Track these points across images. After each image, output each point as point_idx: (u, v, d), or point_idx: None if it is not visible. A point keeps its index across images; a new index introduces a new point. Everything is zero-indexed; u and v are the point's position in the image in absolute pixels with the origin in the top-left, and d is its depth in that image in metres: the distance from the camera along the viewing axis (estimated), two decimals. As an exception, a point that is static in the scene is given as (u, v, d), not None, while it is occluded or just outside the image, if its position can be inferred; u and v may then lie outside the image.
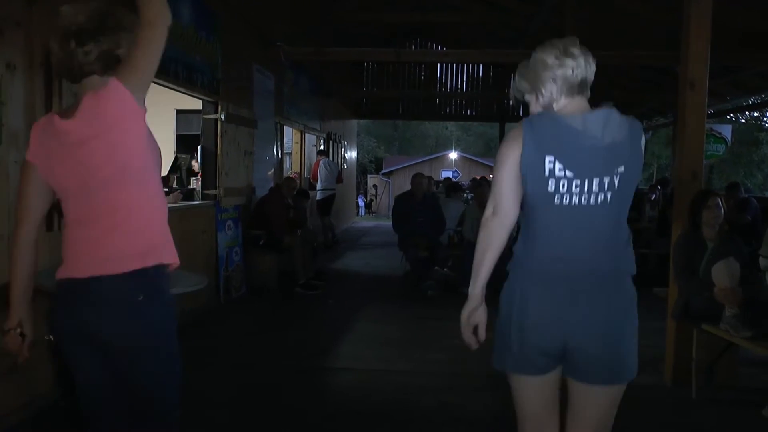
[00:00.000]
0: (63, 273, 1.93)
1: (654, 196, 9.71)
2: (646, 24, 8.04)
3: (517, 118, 15.54)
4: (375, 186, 29.72)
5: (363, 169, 33.00)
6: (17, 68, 3.53)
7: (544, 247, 2.01)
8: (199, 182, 7.08)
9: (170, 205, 5.71)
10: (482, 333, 2.10)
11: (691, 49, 4.43)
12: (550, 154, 1.93)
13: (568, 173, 1.93)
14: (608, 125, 1.95)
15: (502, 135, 17.43)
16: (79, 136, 1.81)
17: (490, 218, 2.05)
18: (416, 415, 3.96)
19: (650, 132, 17.78)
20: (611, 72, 11.00)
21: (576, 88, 2.01)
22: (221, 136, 6.86)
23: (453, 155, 33.05)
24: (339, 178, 12.12)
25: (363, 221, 21.28)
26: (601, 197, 1.94)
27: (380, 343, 5.55)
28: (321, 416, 3.92)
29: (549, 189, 1.94)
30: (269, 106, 8.73)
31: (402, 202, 8.48)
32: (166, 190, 6.65)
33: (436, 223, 8.19)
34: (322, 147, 12.53)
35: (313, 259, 8.46)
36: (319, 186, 11.64)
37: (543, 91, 2.03)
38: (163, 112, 8.39)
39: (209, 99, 6.70)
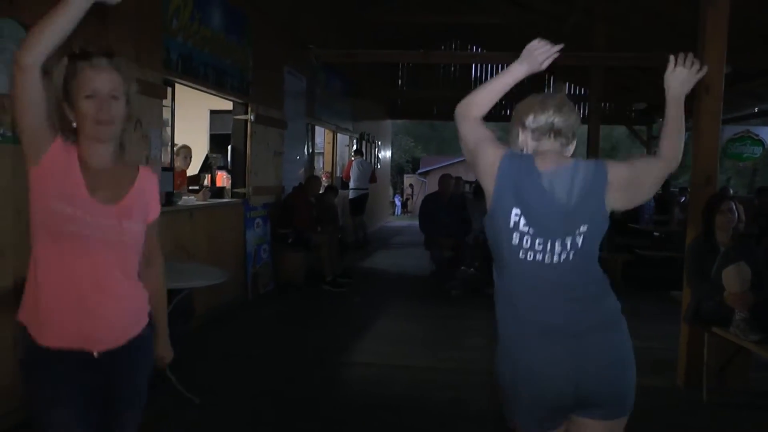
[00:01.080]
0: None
1: (684, 199, 9.63)
2: (676, 25, 7.98)
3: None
4: (411, 186, 29.81)
5: (400, 168, 33.12)
6: (52, 74, 3.74)
7: (523, 306, 2.00)
8: (229, 181, 7.30)
9: (199, 203, 5.97)
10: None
11: (707, 52, 4.44)
12: (517, 206, 1.96)
13: (531, 230, 1.95)
14: (575, 185, 1.96)
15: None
16: None
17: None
18: (426, 410, 4.09)
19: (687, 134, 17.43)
20: (650, 74, 10.91)
21: (544, 131, 2.05)
22: (251, 137, 7.08)
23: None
24: (372, 178, 12.26)
25: (397, 221, 21.42)
26: (563, 256, 1.95)
27: (400, 340, 5.68)
28: (333, 408, 4.07)
29: (513, 241, 1.96)
30: (300, 107, 8.93)
31: (429, 202, 8.60)
32: (197, 188, 6.89)
33: (462, 223, 8.28)
34: (355, 147, 12.72)
35: (341, 257, 8.64)
36: (351, 185, 11.82)
37: (512, 134, 2.12)
38: (197, 112, 8.62)
39: (239, 101, 6.93)
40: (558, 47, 2.06)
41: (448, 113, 17.69)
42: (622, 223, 8.86)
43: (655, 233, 8.94)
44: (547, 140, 2.06)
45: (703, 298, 4.31)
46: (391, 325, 6.30)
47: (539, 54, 2.05)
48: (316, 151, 11.75)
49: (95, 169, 1.90)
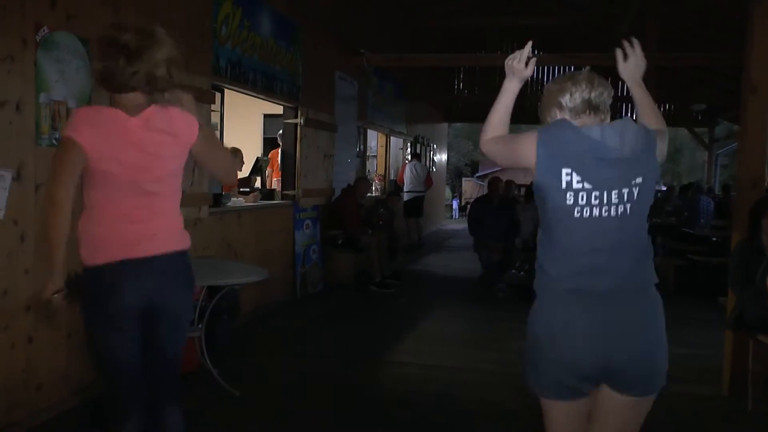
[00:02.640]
0: (116, 255, 2.19)
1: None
2: (731, 23, 7.75)
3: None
4: (464, 190, 29.71)
5: (458, 172, 33.00)
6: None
7: (571, 264, 1.99)
8: (280, 183, 7.49)
9: (249, 204, 6.16)
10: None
11: (755, 51, 4.32)
12: (567, 166, 1.93)
13: (587, 185, 1.93)
14: (625, 136, 1.95)
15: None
16: (153, 134, 2.21)
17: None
18: (456, 409, 4.12)
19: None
20: (710, 74, 10.61)
21: (581, 109, 2.07)
22: (300, 140, 7.25)
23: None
24: (428, 181, 12.32)
25: (453, 224, 21.35)
26: (620, 209, 1.94)
27: (441, 341, 5.73)
28: (364, 405, 4.15)
29: (568, 202, 1.94)
30: (351, 110, 9.07)
31: (478, 205, 8.60)
32: (248, 189, 7.10)
33: (511, 227, 8.24)
34: (410, 150, 12.80)
35: (391, 259, 8.73)
36: (405, 188, 11.92)
37: (548, 118, 2.12)
38: (251, 116, 8.91)
39: (289, 105, 7.11)
40: (528, 45, 2.17)
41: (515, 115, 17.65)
42: (675, 228, 8.65)
43: (714, 238, 8.67)
44: (587, 117, 2.07)
45: (747, 304, 4.20)
46: (434, 325, 6.34)
47: (517, 63, 2.16)
48: (369, 154, 11.91)
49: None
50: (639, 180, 1.95)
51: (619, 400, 2.06)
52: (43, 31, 3.47)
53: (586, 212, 1.94)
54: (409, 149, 12.93)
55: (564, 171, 1.93)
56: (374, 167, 11.93)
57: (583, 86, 2.07)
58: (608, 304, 1.96)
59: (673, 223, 9.14)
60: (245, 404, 4.05)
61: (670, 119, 14.84)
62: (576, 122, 2.04)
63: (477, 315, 6.89)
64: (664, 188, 13.44)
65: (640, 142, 1.97)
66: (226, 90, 5.98)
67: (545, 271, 2.05)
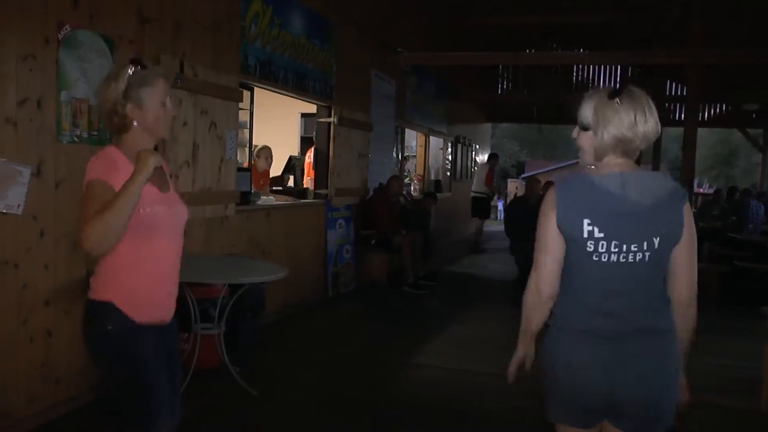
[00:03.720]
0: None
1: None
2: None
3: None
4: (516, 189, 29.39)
5: (504, 173, 32.65)
6: (127, 79, 4.01)
7: (586, 303, 2.01)
8: (313, 181, 7.49)
9: (279, 203, 6.17)
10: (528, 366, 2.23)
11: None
12: (587, 217, 1.94)
13: (606, 235, 1.93)
14: (647, 187, 1.94)
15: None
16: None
17: (533, 293, 2.05)
18: (479, 415, 4.04)
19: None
20: (765, 72, 10.18)
21: (630, 152, 1.99)
22: (333, 139, 7.23)
23: (594, 159, 31.52)
24: (488, 180, 12.29)
25: (497, 225, 21.10)
26: (639, 256, 1.94)
27: (470, 344, 5.63)
28: (383, 407, 4.10)
29: (588, 249, 1.95)
30: (388, 109, 9.02)
31: (514, 206, 8.46)
32: (280, 188, 7.13)
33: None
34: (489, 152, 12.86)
35: (426, 259, 8.65)
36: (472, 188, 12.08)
37: (603, 138, 1.96)
38: (288, 115, 8.92)
39: (322, 104, 7.09)
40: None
41: (549, 116, 17.36)
42: (721, 232, 8.32)
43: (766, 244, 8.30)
44: (628, 157, 1.98)
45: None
46: (464, 328, 6.25)
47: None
48: (409, 154, 11.84)
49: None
50: (662, 231, 1.95)
51: None
52: (66, 29, 3.52)
53: (605, 257, 1.95)
54: (449, 149, 12.82)
55: (585, 221, 1.94)
56: (413, 167, 11.85)
57: (651, 133, 1.96)
58: (617, 345, 1.97)
59: (720, 227, 8.79)
60: (262, 403, 4.04)
61: (722, 120, 14.35)
62: (610, 158, 1.98)
63: (509, 318, 6.66)
64: (711, 191, 12.98)
65: (662, 198, 1.94)
66: (261, 89, 6.03)
67: (558, 306, 2.06)
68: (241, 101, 5.36)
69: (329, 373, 4.71)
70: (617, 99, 1.94)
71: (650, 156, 14.59)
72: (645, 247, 1.94)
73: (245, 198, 5.61)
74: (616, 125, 1.93)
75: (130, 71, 2.11)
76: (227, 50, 5.08)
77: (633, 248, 1.93)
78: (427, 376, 4.76)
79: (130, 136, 2.14)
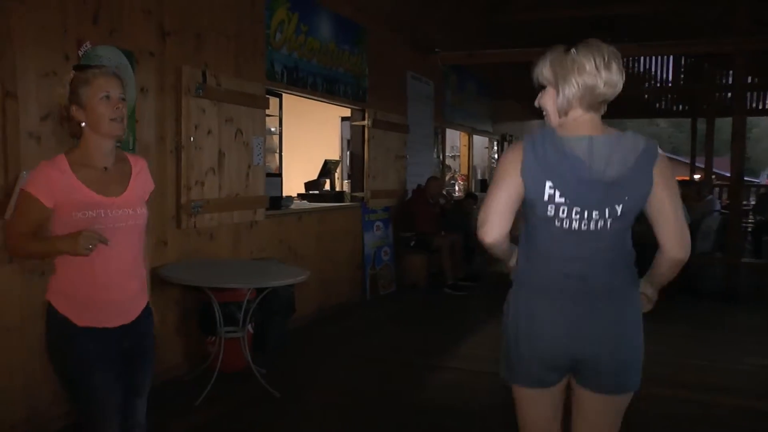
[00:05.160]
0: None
1: None
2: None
3: (709, 113, 14.27)
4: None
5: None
6: (149, 91, 4.16)
7: (548, 265, 2.01)
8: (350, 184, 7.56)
9: (311, 207, 6.24)
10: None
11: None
12: (550, 179, 1.91)
13: (568, 201, 1.91)
14: (615, 154, 1.88)
15: (693, 133, 16.05)
16: None
17: (480, 234, 2.05)
18: (504, 421, 3.98)
19: None
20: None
21: (596, 104, 1.93)
22: (368, 142, 7.27)
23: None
24: None
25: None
26: (600, 224, 1.93)
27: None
28: (407, 410, 4.10)
29: (549, 213, 1.93)
30: (426, 110, 9.01)
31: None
32: (316, 192, 7.21)
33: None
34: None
35: (467, 261, 8.60)
36: None
37: (564, 91, 1.92)
38: (329, 119, 9.00)
39: (355, 107, 7.15)
40: None
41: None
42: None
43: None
44: (595, 111, 1.94)
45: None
46: (497, 331, 6.16)
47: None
48: (453, 153, 11.79)
49: (99, 170, 2.21)
50: (625, 199, 1.91)
51: (592, 399, 2.09)
52: (86, 46, 3.67)
53: (566, 224, 1.94)
54: (495, 147, 12.70)
55: (547, 183, 1.91)
56: (457, 167, 11.79)
57: (615, 82, 1.91)
58: (578, 303, 1.99)
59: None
60: (283, 405, 4.10)
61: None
62: (578, 113, 1.93)
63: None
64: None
65: (629, 163, 1.88)
66: (293, 96, 6.13)
67: (520, 267, 2.08)
68: (268, 108, 5.45)
69: (355, 375, 4.75)
70: (573, 50, 1.91)
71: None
72: (607, 215, 1.91)
73: (276, 203, 5.71)
74: (577, 74, 1.88)
75: (71, 75, 2.19)
76: (251, 58, 5.19)
77: (594, 215, 1.91)
78: (453, 379, 4.74)
79: (84, 141, 2.20)
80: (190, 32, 4.51)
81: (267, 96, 5.45)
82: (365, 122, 7.25)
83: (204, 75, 4.56)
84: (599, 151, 1.88)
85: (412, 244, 8.03)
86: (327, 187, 7.56)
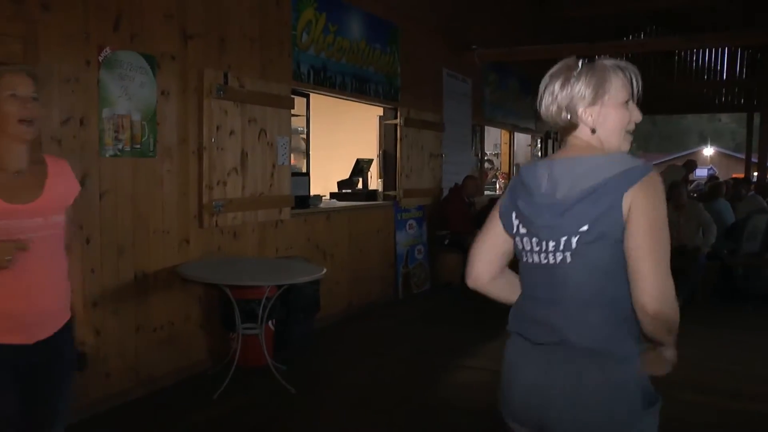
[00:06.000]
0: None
1: None
2: None
3: (765, 108, 13.71)
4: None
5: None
6: (171, 94, 4.28)
7: (522, 306, 1.85)
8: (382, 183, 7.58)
9: (340, 205, 6.30)
10: None
11: None
12: (515, 210, 1.80)
13: (527, 231, 1.76)
14: (570, 175, 1.67)
15: (749, 128, 15.43)
16: None
17: (466, 278, 1.96)
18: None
19: None
20: None
21: (564, 131, 1.79)
22: (400, 140, 7.29)
23: (708, 151, 29.84)
24: None
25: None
26: (559, 256, 1.68)
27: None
28: (428, 410, 4.12)
29: (518, 246, 1.81)
30: (464, 108, 8.96)
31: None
32: (349, 191, 7.27)
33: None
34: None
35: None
36: None
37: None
38: (368, 119, 9.04)
39: (387, 106, 7.18)
40: None
41: (660, 107, 16.47)
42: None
43: None
44: (566, 136, 1.78)
45: None
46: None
47: None
48: (494, 152, 11.69)
49: (9, 173, 2.03)
50: (583, 229, 1.62)
51: None
52: (106, 51, 3.81)
53: (529, 257, 1.77)
54: (539, 145, 12.53)
55: (513, 214, 1.80)
56: (499, 165, 11.69)
57: (555, 83, 1.75)
58: (548, 358, 1.72)
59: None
60: (298, 402, 4.17)
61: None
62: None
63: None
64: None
65: (588, 184, 1.62)
66: (326, 96, 6.21)
67: (511, 311, 1.90)
68: (293, 108, 5.52)
69: (375, 373, 4.79)
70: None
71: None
72: (562, 246, 1.67)
73: (303, 202, 5.79)
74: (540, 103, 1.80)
75: None
76: (277, 59, 5.27)
77: (550, 246, 1.69)
78: (475, 379, 4.72)
79: None
80: (213, 35, 4.62)
81: (293, 96, 5.53)
82: (397, 121, 7.27)
83: (226, 77, 4.66)
84: (555, 174, 1.70)
85: (447, 242, 8.01)
86: (360, 185, 7.60)
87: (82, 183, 3.67)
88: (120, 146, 3.92)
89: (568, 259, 1.67)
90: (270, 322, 4.72)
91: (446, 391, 4.50)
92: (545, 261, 1.71)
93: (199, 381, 4.44)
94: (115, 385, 3.97)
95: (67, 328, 2.20)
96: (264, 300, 4.36)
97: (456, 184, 8.28)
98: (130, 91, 3.96)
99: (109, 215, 3.88)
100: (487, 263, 1.90)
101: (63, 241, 2.18)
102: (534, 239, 1.73)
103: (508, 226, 1.82)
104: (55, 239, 2.13)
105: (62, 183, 2.17)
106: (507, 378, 1.85)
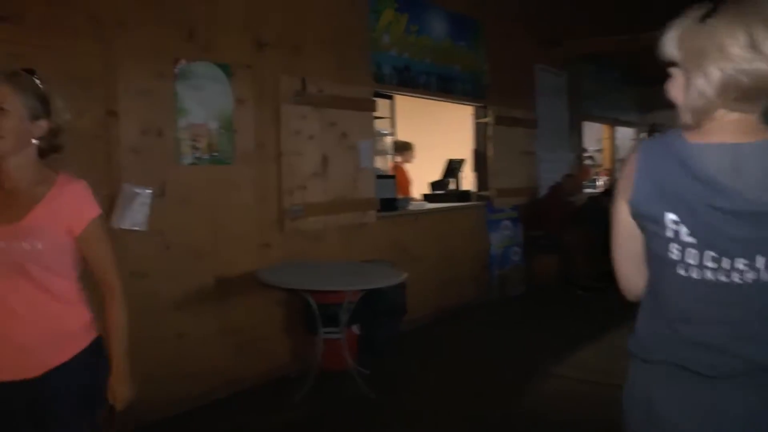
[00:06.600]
0: None
1: None
2: None
3: None
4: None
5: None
6: (247, 101, 4.35)
7: (672, 326, 1.43)
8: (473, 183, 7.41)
9: (430, 207, 6.22)
10: None
11: None
12: (671, 211, 1.35)
13: (697, 241, 1.34)
14: None
15: None
16: None
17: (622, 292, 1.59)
18: None
19: None
20: None
21: (747, 99, 1.30)
22: (490, 139, 7.11)
23: None
24: None
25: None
26: (750, 276, 1.32)
27: (622, 356, 5.17)
28: (503, 417, 3.96)
29: (671, 255, 1.38)
30: (559, 103, 8.63)
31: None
32: (442, 192, 7.15)
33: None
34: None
35: (602, 260, 8.11)
36: None
37: (696, 81, 1.32)
38: (458, 118, 8.91)
39: (476, 104, 7.02)
40: None
41: None
42: None
43: None
44: (747, 107, 1.31)
45: None
46: (621, 339, 5.73)
47: None
48: (598, 147, 11.21)
49: (2, 192, 1.87)
50: None
51: None
52: (181, 63, 3.92)
53: (696, 273, 1.36)
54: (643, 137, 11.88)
55: (669, 217, 1.35)
56: (600, 161, 11.19)
57: (729, 42, 1.26)
58: (715, 389, 1.39)
59: None
60: (378, 407, 4.11)
61: None
62: (721, 113, 1.33)
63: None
64: None
65: None
66: (411, 96, 6.17)
67: (638, 325, 1.53)
68: (374, 111, 5.49)
69: (458, 379, 4.64)
70: (710, 17, 1.29)
71: None
72: (759, 264, 1.30)
73: (390, 204, 5.73)
74: (715, 57, 1.28)
75: None
76: (356, 62, 5.25)
77: (740, 265, 1.31)
78: (561, 387, 4.48)
79: None
80: (288, 42, 4.66)
81: (376, 99, 5.49)
82: (486, 119, 7.09)
83: (303, 82, 4.69)
84: (749, 168, 1.28)
85: (544, 243, 7.72)
86: (452, 186, 7.48)
87: (161, 191, 3.81)
88: (198, 154, 4.02)
89: (762, 278, 1.31)
90: (354, 326, 4.70)
91: (534, 400, 4.29)
92: (726, 279, 1.33)
93: (281, 384, 4.48)
94: (197, 387, 4.07)
95: (65, 372, 1.86)
96: (345, 304, 4.34)
97: (556, 182, 7.98)
98: (205, 101, 4.05)
99: (187, 221, 3.99)
100: (636, 270, 1.52)
101: (54, 275, 1.86)
102: (711, 253, 1.33)
103: (651, 224, 1.40)
104: (20, 268, 1.80)
105: (60, 206, 1.86)
106: (650, 422, 1.48)
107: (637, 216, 1.42)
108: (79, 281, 1.94)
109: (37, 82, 1.89)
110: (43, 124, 1.88)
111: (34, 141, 1.87)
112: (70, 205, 1.88)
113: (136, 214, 3.66)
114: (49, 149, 1.94)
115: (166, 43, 3.86)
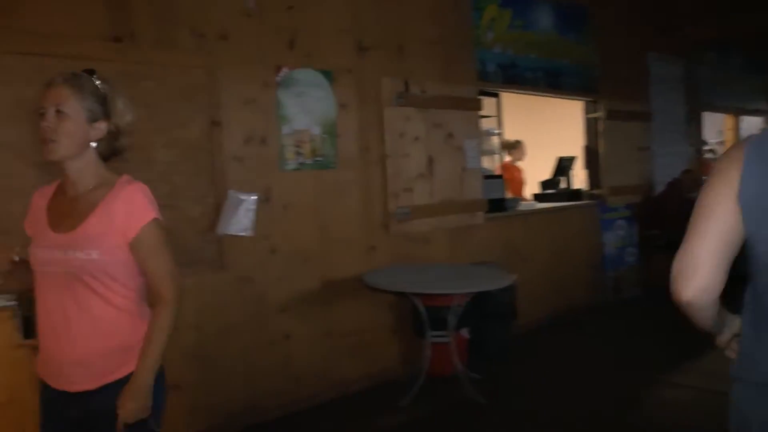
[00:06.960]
0: None
1: None
2: None
3: None
4: None
5: None
6: (349, 106, 4.35)
7: None
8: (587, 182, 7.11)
9: (540, 207, 6.02)
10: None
11: None
12: None
13: None
14: None
15: None
16: None
17: (680, 287, 1.37)
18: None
19: None
20: None
21: None
22: (602, 134, 6.79)
23: None
24: None
25: None
26: None
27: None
28: (617, 428, 3.74)
29: None
30: (676, 94, 8.12)
31: None
32: (553, 191, 6.91)
33: None
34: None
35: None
36: None
37: None
38: (568, 114, 8.59)
39: (587, 98, 6.72)
40: None
41: None
42: None
43: None
44: None
45: None
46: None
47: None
48: (719, 139, 10.50)
49: (66, 198, 1.84)
50: None
51: None
52: (284, 71, 3.96)
53: None
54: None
55: None
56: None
57: None
58: None
59: None
60: (486, 413, 3.99)
61: None
62: None
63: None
64: None
65: None
66: (518, 93, 6.01)
67: (743, 346, 1.43)
68: (480, 109, 5.36)
69: (571, 386, 4.43)
70: None
71: None
72: None
73: (498, 205, 5.58)
74: None
75: None
76: (460, 61, 5.15)
77: None
78: (681, 397, 4.18)
79: None
80: (389, 44, 4.62)
81: (481, 97, 5.36)
82: (597, 114, 6.78)
83: (406, 84, 4.64)
84: None
85: (662, 243, 7.27)
86: (564, 185, 7.21)
87: (266, 197, 3.87)
88: (301, 159, 4.06)
89: None
90: (463, 330, 4.60)
91: (649, 409, 4.03)
92: None
93: (388, 387, 4.44)
94: (304, 388, 4.10)
95: (119, 389, 1.78)
96: (453, 307, 4.25)
97: (674, 178, 7.51)
98: (308, 107, 4.08)
99: (292, 226, 4.03)
100: (715, 269, 1.34)
101: (111, 282, 1.79)
102: None
103: (763, 230, 1.29)
104: (73, 278, 1.76)
105: (114, 212, 1.77)
106: None
107: (745, 212, 1.30)
108: (140, 292, 1.85)
109: (97, 82, 1.82)
110: (102, 126, 1.81)
111: (93, 144, 1.81)
112: (124, 210, 1.77)
113: (242, 220, 3.73)
114: (110, 152, 1.87)
115: (268, 52, 3.92)
